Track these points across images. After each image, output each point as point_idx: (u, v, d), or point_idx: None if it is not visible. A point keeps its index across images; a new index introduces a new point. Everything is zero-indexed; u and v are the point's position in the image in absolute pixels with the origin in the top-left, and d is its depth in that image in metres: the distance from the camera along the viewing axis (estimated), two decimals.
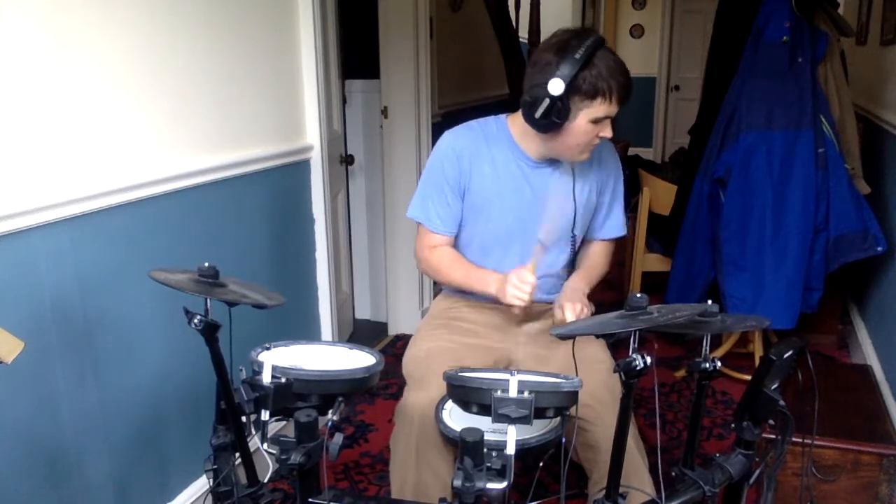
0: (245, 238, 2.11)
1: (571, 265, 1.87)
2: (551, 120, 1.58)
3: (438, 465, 1.59)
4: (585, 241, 1.90)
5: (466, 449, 1.15)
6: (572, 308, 1.65)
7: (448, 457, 1.60)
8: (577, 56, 1.53)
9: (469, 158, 1.73)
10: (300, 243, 2.40)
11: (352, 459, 2.41)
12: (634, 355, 1.18)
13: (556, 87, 1.54)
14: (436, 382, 1.52)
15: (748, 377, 1.63)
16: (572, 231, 1.78)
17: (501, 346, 1.79)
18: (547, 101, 1.56)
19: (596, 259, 1.88)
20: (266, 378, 1.31)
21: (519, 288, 1.61)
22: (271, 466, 1.35)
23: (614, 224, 1.89)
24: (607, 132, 1.64)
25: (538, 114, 1.58)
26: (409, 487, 1.61)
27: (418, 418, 1.58)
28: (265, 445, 1.32)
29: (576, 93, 1.56)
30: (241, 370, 1.35)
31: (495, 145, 1.74)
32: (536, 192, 1.74)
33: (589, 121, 1.60)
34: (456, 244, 1.82)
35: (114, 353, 1.67)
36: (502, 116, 1.78)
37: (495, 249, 1.78)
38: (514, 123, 1.74)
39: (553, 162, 1.74)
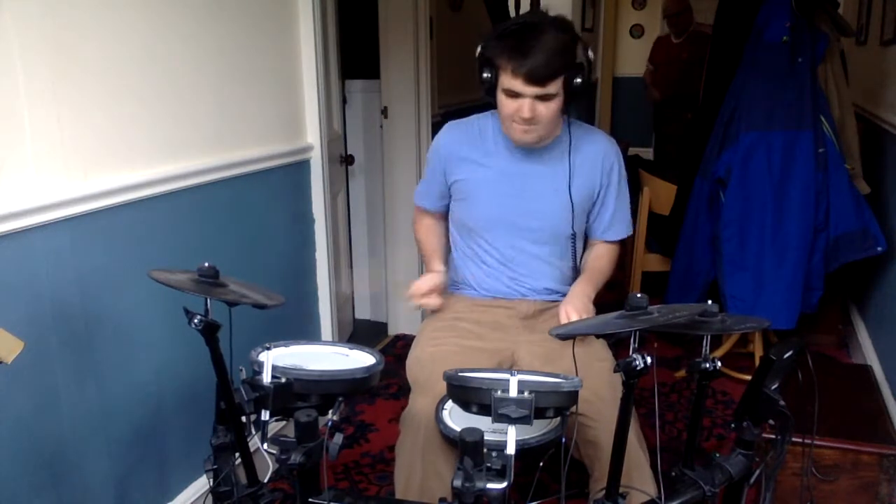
0: (245, 238, 2.11)
1: (575, 266, 1.87)
2: (485, 86, 1.66)
3: (443, 469, 1.59)
4: (589, 242, 1.90)
5: (466, 449, 1.15)
6: (578, 317, 1.67)
7: (453, 460, 1.59)
8: (500, 26, 1.61)
9: (456, 151, 1.82)
10: (300, 243, 2.40)
11: (352, 459, 2.41)
12: (634, 355, 1.18)
13: (477, 49, 1.64)
14: (440, 386, 1.52)
15: (748, 377, 1.63)
16: (572, 228, 1.78)
17: (504, 346, 1.78)
18: (476, 62, 1.65)
19: (601, 262, 1.87)
20: (266, 378, 1.31)
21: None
22: (271, 466, 1.35)
23: (619, 225, 1.87)
24: (522, 111, 1.61)
25: (477, 78, 1.67)
26: (413, 492, 1.61)
27: (424, 424, 1.58)
28: (265, 445, 1.32)
29: (488, 60, 1.62)
30: (241, 370, 1.35)
31: (486, 137, 1.79)
32: (525, 181, 1.77)
33: (503, 93, 1.62)
34: (452, 222, 1.92)
35: (114, 353, 1.67)
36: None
37: (484, 233, 1.83)
38: None
39: (544, 153, 1.76)
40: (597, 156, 1.79)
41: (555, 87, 1.58)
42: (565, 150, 1.75)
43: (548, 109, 1.61)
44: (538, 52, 1.54)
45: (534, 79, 1.56)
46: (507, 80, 1.59)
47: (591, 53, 1.63)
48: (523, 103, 1.60)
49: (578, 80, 1.60)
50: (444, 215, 1.96)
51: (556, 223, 1.78)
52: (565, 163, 1.75)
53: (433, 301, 1.79)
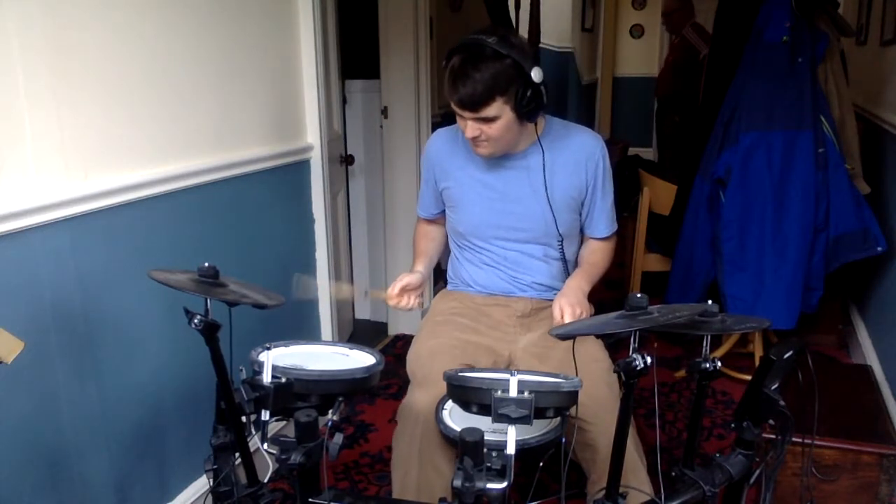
0: (245, 238, 2.11)
1: (566, 263, 1.88)
2: None
3: (441, 463, 1.59)
4: (584, 237, 1.92)
5: (466, 449, 1.15)
6: (571, 312, 1.67)
7: (450, 455, 1.60)
8: (452, 48, 1.62)
9: (445, 157, 1.85)
10: (300, 243, 2.40)
11: (352, 459, 2.41)
12: (634, 355, 1.18)
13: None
14: (439, 381, 1.52)
15: (748, 377, 1.63)
16: (557, 229, 1.79)
17: (501, 344, 1.80)
18: None
19: (596, 256, 1.89)
20: (266, 378, 1.31)
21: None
22: (271, 466, 1.35)
23: (607, 221, 1.88)
24: (466, 131, 1.66)
25: None
26: (411, 486, 1.61)
27: (423, 417, 1.59)
28: (265, 445, 1.33)
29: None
30: (241, 370, 1.35)
31: (469, 144, 1.78)
32: (506, 185, 1.79)
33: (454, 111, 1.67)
34: (447, 227, 1.96)
35: (114, 353, 1.67)
36: None
37: (474, 238, 1.86)
38: None
39: (522, 157, 1.77)
40: (581, 155, 1.79)
41: (492, 110, 1.60)
42: (541, 153, 1.76)
43: (491, 129, 1.65)
44: (469, 81, 1.57)
45: (465, 106, 1.61)
46: (451, 103, 1.65)
47: (535, 73, 1.60)
48: (467, 124, 1.66)
49: (528, 94, 1.60)
50: (442, 221, 1.98)
51: (541, 224, 1.80)
52: (539, 166, 1.76)
53: (405, 302, 1.78)
